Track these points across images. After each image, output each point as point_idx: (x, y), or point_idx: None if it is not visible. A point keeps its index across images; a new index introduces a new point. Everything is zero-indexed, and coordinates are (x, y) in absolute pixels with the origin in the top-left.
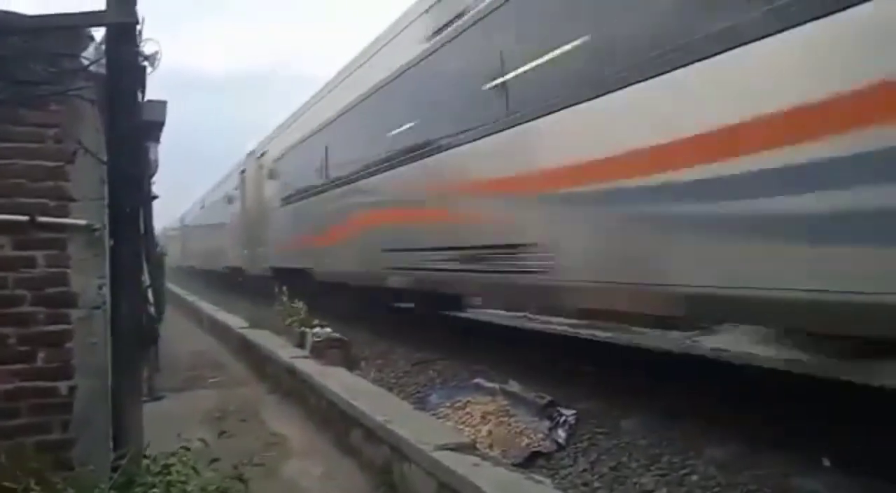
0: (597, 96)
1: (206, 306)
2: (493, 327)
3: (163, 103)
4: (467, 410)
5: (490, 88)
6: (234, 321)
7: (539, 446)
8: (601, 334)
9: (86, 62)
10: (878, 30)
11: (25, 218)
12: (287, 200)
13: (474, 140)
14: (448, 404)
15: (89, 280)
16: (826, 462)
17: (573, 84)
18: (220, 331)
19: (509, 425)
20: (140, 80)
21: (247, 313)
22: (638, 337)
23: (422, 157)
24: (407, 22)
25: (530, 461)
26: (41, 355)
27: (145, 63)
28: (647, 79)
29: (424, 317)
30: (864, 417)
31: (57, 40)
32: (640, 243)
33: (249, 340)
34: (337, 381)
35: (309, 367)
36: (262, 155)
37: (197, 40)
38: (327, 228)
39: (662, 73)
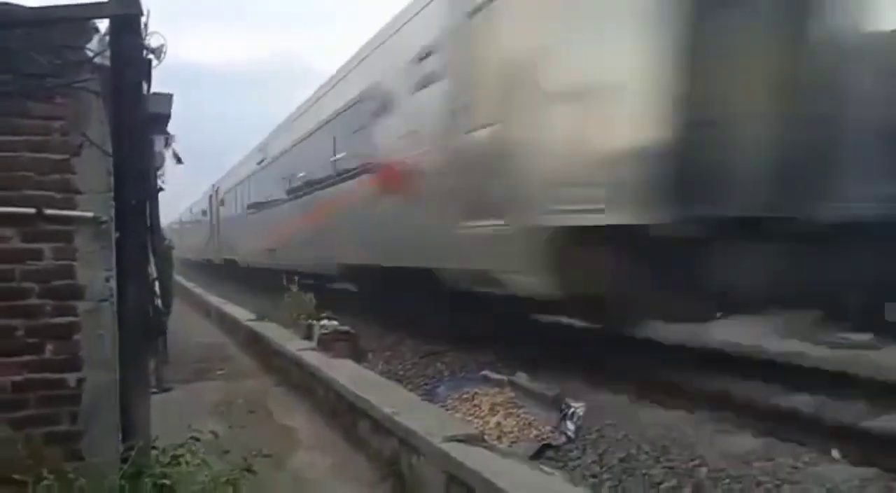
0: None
1: (214, 299)
2: (500, 319)
3: (168, 96)
4: (475, 402)
5: (253, 200)
6: (241, 314)
7: (548, 438)
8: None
9: (90, 54)
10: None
11: (32, 210)
12: (226, 219)
13: (264, 210)
14: (456, 396)
15: (96, 273)
16: (836, 454)
17: (264, 203)
18: (227, 323)
19: (518, 417)
20: (145, 73)
21: (254, 305)
22: (645, 330)
23: (258, 211)
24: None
25: (539, 453)
26: (49, 347)
27: (150, 56)
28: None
29: (432, 309)
30: (870, 409)
31: (61, 32)
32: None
33: (257, 332)
34: (344, 373)
35: (316, 359)
36: (218, 189)
37: (199, 35)
38: (240, 237)
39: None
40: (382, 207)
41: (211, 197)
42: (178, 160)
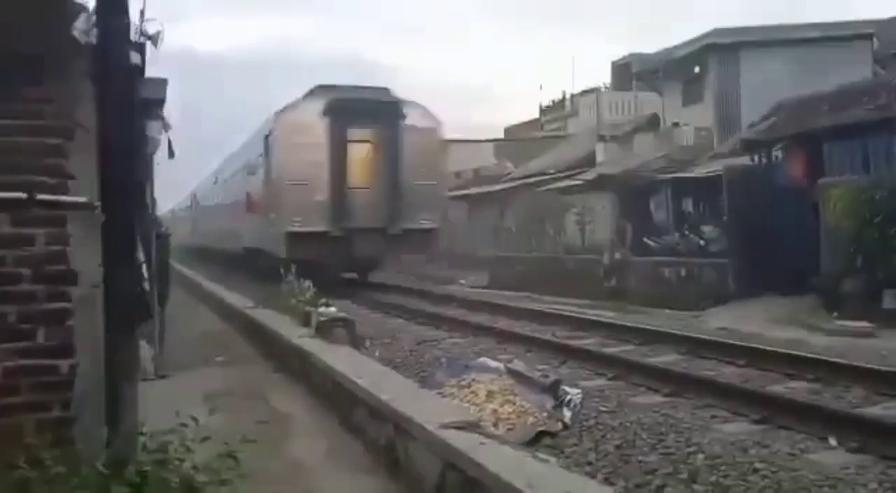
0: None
1: (210, 286)
2: (498, 307)
3: (163, 81)
4: (472, 388)
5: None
6: (238, 300)
7: (544, 425)
8: (606, 314)
9: (76, 33)
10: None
11: (24, 195)
12: (199, 217)
13: (214, 214)
14: (453, 383)
15: (89, 258)
16: (832, 442)
17: (209, 205)
18: (224, 310)
19: (514, 404)
20: (131, 52)
21: (252, 292)
22: (642, 317)
23: (212, 214)
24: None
25: (535, 440)
26: (42, 332)
27: (147, 41)
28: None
29: (431, 296)
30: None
31: (50, 12)
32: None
33: (255, 319)
34: (342, 360)
35: (314, 346)
36: (195, 195)
37: (207, 25)
38: (204, 230)
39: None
40: (251, 218)
41: (192, 199)
42: (171, 154)
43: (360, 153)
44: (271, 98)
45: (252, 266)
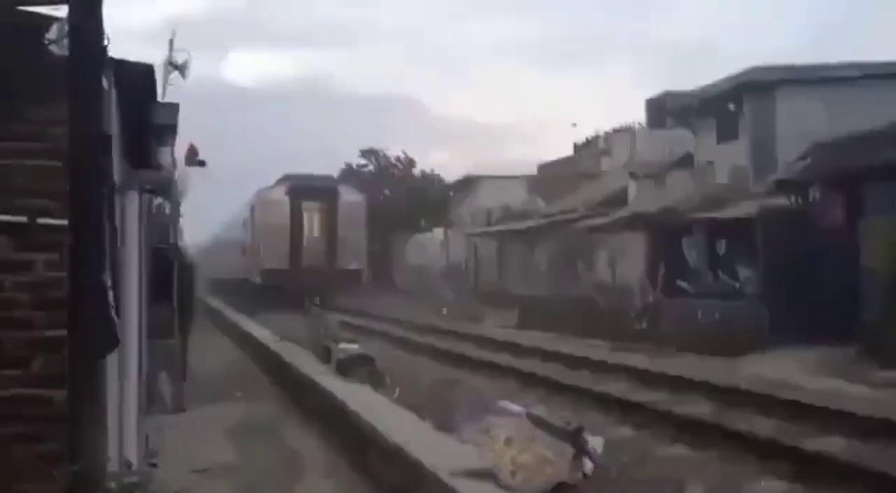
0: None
1: (236, 317)
2: (522, 348)
3: (174, 106)
4: (491, 433)
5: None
6: (262, 333)
7: (564, 476)
8: (633, 359)
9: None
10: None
11: (24, 219)
12: (220, 253)
13: (226, 252)
14: (471, 427)
15: None
16: None
17: (228, 245)
18: (247, 342)
19: (534, 451)
20: (103, 61)
21: (275, 324)
22: (673, 362)
23: (225, 252)
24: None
25: (554, 492)
26: (38, 361)
27: (176, 72)
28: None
29: (452, 336)
30: None
31: (37, 27)
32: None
33: (276, 353)
34: (359, 399)
35: (332, 384)
36: (217, 236)
37: (243, 60)
38: (222, 264)
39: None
40: (244, 259)
41: (214, 238)
42: (201, 163)
43: (310, 219)
44: (310, 131)
45: (246, 290)
